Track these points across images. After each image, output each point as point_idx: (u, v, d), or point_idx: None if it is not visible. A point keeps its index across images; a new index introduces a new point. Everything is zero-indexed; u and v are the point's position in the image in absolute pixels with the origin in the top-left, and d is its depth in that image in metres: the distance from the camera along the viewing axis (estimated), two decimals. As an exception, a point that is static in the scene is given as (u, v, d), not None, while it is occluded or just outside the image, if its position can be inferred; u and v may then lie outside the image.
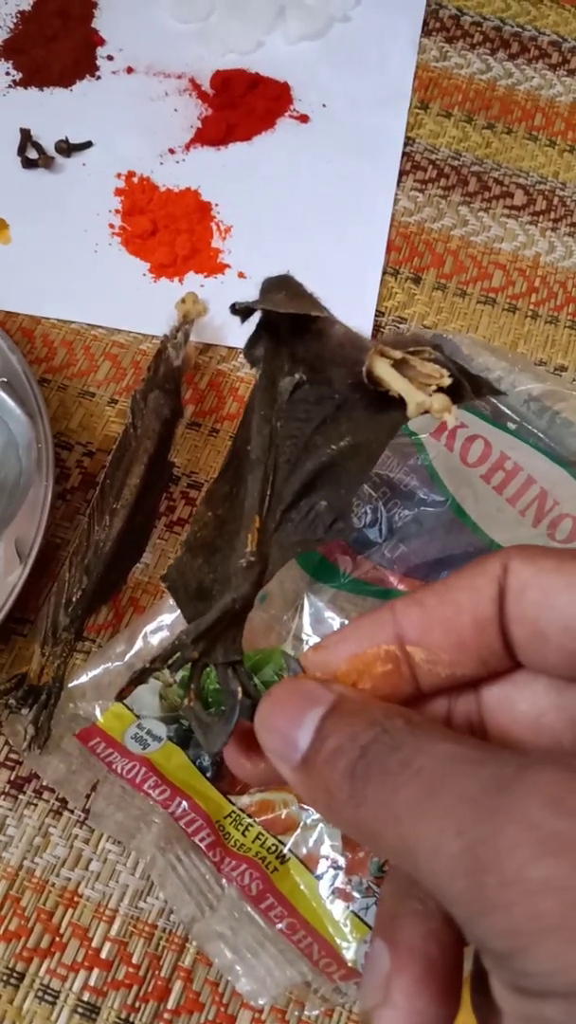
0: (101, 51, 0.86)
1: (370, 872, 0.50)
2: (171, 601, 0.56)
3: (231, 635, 0.33)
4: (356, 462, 0.33)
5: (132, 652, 0.56)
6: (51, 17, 0.87)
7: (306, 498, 0.33)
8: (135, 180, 0.79)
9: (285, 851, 0.51)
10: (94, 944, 0.52)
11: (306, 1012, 0.51)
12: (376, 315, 0.74)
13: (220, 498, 0.33)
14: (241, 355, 0.70)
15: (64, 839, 0.55)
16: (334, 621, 0.55)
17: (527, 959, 0.21)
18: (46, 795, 0.56)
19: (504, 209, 0.81)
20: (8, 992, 0.51)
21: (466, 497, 0.57)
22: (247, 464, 0.33)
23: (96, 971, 0.52)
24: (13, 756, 0.57)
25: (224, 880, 0.51)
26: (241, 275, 0.75)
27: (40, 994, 0.51)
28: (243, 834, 0.52)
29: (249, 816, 0.52)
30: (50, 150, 0.80)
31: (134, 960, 0.52)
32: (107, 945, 0.52)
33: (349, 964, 0.49)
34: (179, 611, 0.55)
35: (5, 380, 0.62)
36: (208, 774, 0.53)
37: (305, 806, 0.52)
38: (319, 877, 0.51)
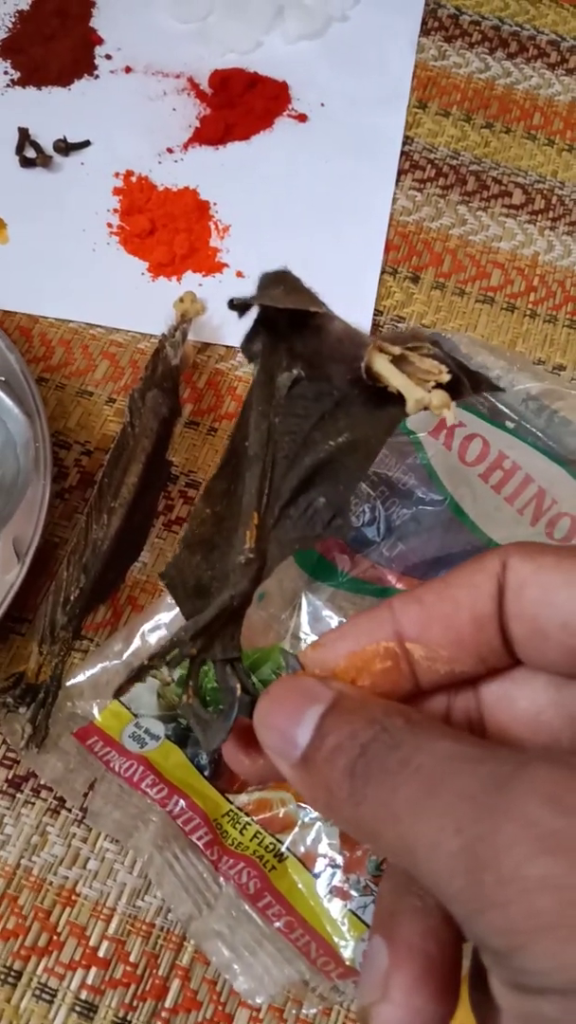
0: (99, 50, 0.86)
1: (368, 870, 0.50)
2: (169, 600, 0.57)
3: (229, 632, 0.33)
4: (355, 458, 0.33)
5: (130, 651, 0.56)
6: (49, 16, 0.87)
7: (304, 494, 0.32)
8: (133, 179, 0.79)
9: (283, 849, 0.51)
10: (92, 943, 0.52)
11: (304, 1011, 0.51)
12: (374, 314, 0.74)
13: (218, 495, 0.33)
14: (239, 354, 0.71)
15: (62, 838, 0.55)
16: (332, 620, 0.55)
17: (525, 957, 0.21)
18: (44, 794, 0.56)
19: (502, 208, 0.81)
20: (6, 991, 0.51)
21: (464, 496, 0.57)
22: (245, 460, 0.33)
23: (94, 970, 0.52)
24: (11, 755, 0.57)
25: (222, 878, 0.51)
26: (239, 274, 0.75)
27: (38, 993, 0.51)
28: (241, 832, 0.52)
29: (247, 815, 0.52)
30: (48, 149, 0.79)
31: (132, 959, 0.52)
32: (105, 944, 0.52)
33: (347, 962, 0.49)
34: (177, 610, 0.55)
35: (3, 379, 0.62)
36: (206, 773, 0.53)
37: (303, 804, 0.52)
38: (317, 875, 0.51)
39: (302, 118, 0.84)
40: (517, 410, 0.60)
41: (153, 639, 0.56)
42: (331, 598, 0.56)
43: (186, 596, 0.33)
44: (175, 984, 0.51)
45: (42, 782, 0.55)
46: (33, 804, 0.55)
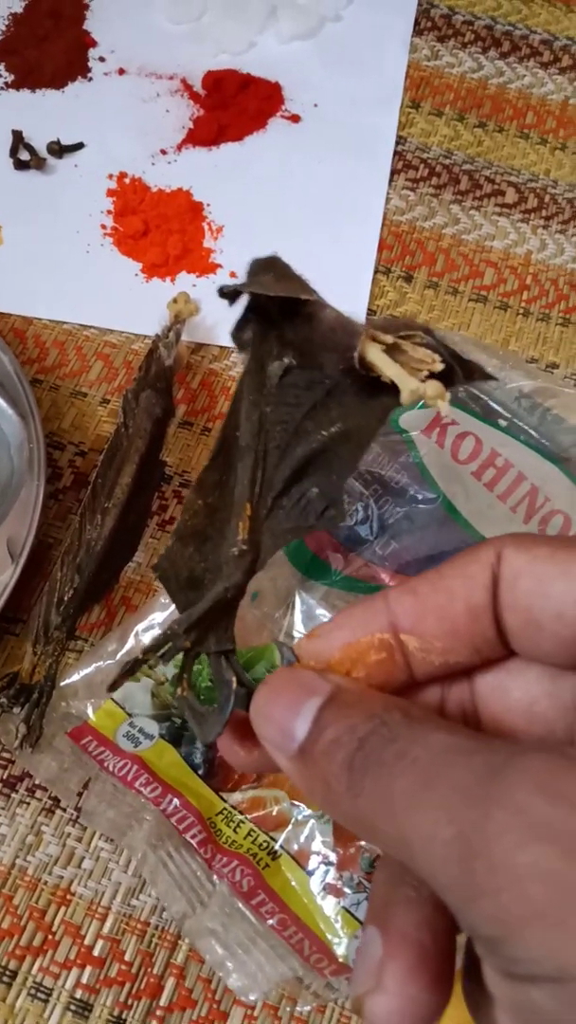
0: (93, 52, 0.87)
1: (361, 868, 0.50)
2: (163, 600, 0.57)
3: (223, 624, 0.33)
4: (347, 448, 0.32)
5: (124, 651, 0.56)
6: (43, 18, 0.87)
7: (297, 484, 0.32)
8: (127, 181, 0.79)
9: (276, 847, 0.51)
10: (87, 942, 0.52)
11: (298, 1008, 0.51)
12: (368, 313, 0.74)
13: (210, 486, 0.33)
14: (233, 354, 0.71)
15: (56, 837, 0.55)
16: (326, 618, 0.55)
17: (516, 945, 0.21)
18: (38, 793, 0.55)
19: (495, 207, 0.81)
20: (1, 990, 0.51)
21: (457, 494, 0.57)
22: (236, 451, 0.33)
23: (89, 968, 0.52)
24: (5, 755, 0.56)
25: (215, 876, 0.51)
26: (233, 275, 0.75)
27: (33, 992, 0.51)
28: (234, 831, 0.52)
29: (240, 813, 0.52)
30: (42, 151, 0.80)
31: (127, 957, 0.52)
32: (100, 943, 0.52)
33: (340, 959, 0.49)
34: (171, 610, 0.55)
35: (-3, 380, 0.62)
36: (200, 771, 0.53)
37: (296, 802, 0.52)
38: (310, 873, 0.51)
39: (295, 118, 0.84)
40: (510, 408, 0.60)
41: (147, 639, 0.56)
42: (325, 596, 0.56)
43: (179, 588, 0.33)
44: (170, 982, 0.51)
45: (37, 782, 0.55)
46: (28, 804, 0.55)
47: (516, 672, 0.30)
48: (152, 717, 0.54)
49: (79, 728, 0.54)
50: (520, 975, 0.22)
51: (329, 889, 0.50)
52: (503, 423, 0.60)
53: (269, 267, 0.34)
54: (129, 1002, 0.51)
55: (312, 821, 0.51)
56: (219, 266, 0.75)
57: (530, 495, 0.57)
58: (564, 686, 0.29)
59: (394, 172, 0.82)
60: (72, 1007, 0.51)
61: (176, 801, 0.52)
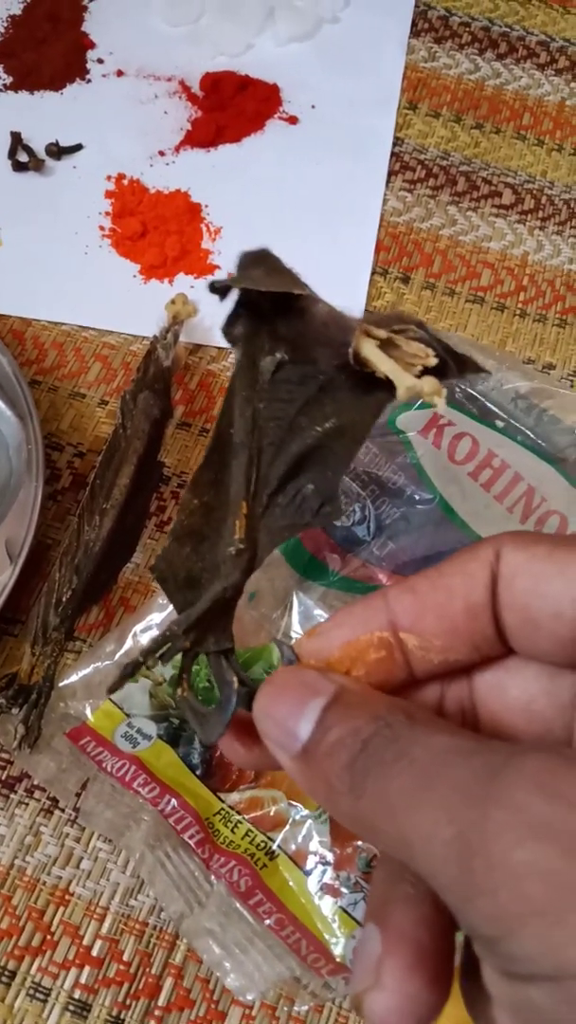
0: (91, 54, 0.87)
1: (358, 868, 0.50)
2: (162, 600, 0.57)
3: (222, 623, 0.33)
4: (342, 443, 0.32)
5: (122, 651, 0.56)
6: (41, 21, 0.87)
7: (292, 481, 0.32)
8: (125, 182, 0.79)
9: (274, 847, 0.51)
10: (85, 942, 0.52)
11: (296, 1008, 0.51)
12: (365, 314, 0.74)
13: (205, 484, 0.33)
14: (231, 356, 0.71)
15: (55, 838, 0.55)
16: (323, 619, 0.55)
17: (513, 943, 0.21)
18: (37, 794, 0.56)
19: (492, 208, 0.81)
20: (0, 990, 0.51)
21: (454, 495, 0.57)
22: (231, 448, 0.33)
23: (87, 969, 0.52)
24: (4, 755, 0.57)
25: (213, 877, 0.51)
26: (231, 276, 0.75)
27: (31, 992, 0.51)
28: (232, 831, 0.52)
29: (238, 813, 0.52)
30: (40, 153, 0.80)
31: (125, 957, 0.52)
32: (98, 943, 0.52)
33: (337, 959, 0.49)
34: (169, 611, 0.55)
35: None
36: (197, 772, 0.53)
37: (294, 802, 0.52)
38: (308, 873, 0.51)
39: (293, 120, 0.84)
40: (506, 409, 0.60)
41: (145, 639, 0.56)
42: (322, 597, 0.56)
43: (177, 589, 0.33)
44: (168, 982, 0.51)
45: (35, 782, 0.55)
46: (26, 804, 0.55)
47: (515, 670, 0.30)
48: (150, 718, 0.54)
49: (77, 729, 0.54)
50: (518, 974, 0.22)
51: (326, 889, 0.50)
52: (500, 424, 0.60)
53: (260, 261, 0.34)
54: (127, 1002, 0.51)
55: (309, 821, 0.52)
56: (217, 267, 0.75)
57: (527, 495, 0.57)
58: (562, 684, 0.29)
59: (391, 173, 0.82)
60: (71, 1007, 0.51)
61: (174, 801, 0.52)
